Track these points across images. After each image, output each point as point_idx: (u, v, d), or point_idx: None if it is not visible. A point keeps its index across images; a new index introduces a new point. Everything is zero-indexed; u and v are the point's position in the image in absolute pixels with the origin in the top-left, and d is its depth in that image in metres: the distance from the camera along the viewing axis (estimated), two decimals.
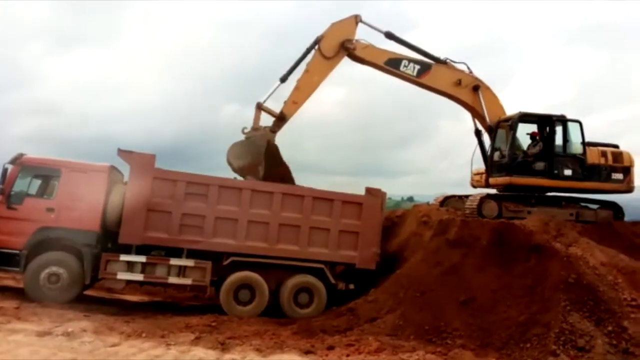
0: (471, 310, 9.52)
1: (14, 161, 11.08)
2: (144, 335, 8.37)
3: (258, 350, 7.92)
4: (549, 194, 13.25)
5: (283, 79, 12.82)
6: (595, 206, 13.35)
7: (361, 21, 12.87)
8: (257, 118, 12.71)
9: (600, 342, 8.43)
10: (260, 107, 12.68)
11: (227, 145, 12.55)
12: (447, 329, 9.20)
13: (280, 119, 12.59)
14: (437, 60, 13.34)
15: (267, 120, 12.86)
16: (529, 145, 13.07)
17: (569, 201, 13.17)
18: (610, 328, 8.66)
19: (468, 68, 13.51)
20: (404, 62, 13.03)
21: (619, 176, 13.06)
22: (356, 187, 9.78)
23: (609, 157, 13.09)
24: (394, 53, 13.13)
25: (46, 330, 7.96)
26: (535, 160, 12.71)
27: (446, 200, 14.40)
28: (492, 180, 13.33)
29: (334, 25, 12.67)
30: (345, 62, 13.13)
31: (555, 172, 12.60)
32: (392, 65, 13.00)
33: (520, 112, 12.90)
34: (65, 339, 7.64)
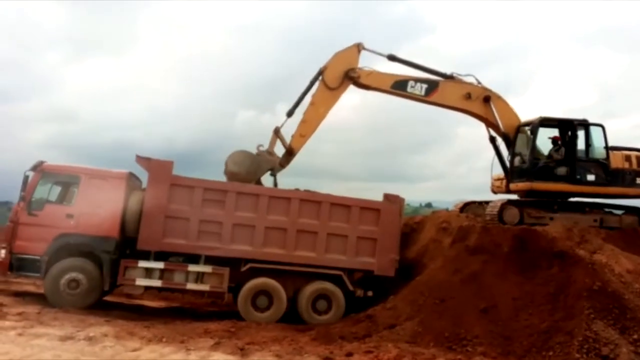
0: (492, 317, 9.36)
1: (34, 168, 11.23)
2: (164, 340, 8.39)
3: (277, 356, 7.89)
4: (572, 199, 13.04)
5: (290, 114, 12.85)
6: (620, 212, 13.11)
7: (364, 48, 12.85)
8: (273, 143, 12.79)
9: (625, 350, 8.23)
10: (277, 133, 12.77)
11: None
12: (467, 336, 9.05)
13: (289, 154, 12.66)
14: (443, 76, 13.22)
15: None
16: (551, 150, 12.90)
17: (592, 207, 12.94)
18: (635, 336, 8.46)
19: (476, 79, 13.36)
20: (411, 82, 12.91)
21: None
22: (374, 193, 9.74)
23: (634, 161, 12.91)
24: (400, 75, 13.03)
25: (68, 335, 8.02)
26: (557, 165, 12.54)
27: (466, 207, 14.26)
28: (512, 186, 13.18)
29: (336, 55, 12.66)
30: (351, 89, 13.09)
31: (578, 177, 12.42)
32: (399, 88, 12.91)
33: (540, 117, 12.77)
34: (87, 344, 7.68)
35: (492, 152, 13.69)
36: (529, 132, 12.93)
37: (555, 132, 13.07)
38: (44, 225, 10.85)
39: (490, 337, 9.01)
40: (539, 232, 10.52)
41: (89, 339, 7.88)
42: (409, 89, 12.87)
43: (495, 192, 14.15)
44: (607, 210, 13.12)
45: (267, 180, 12.83)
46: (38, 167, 11.24)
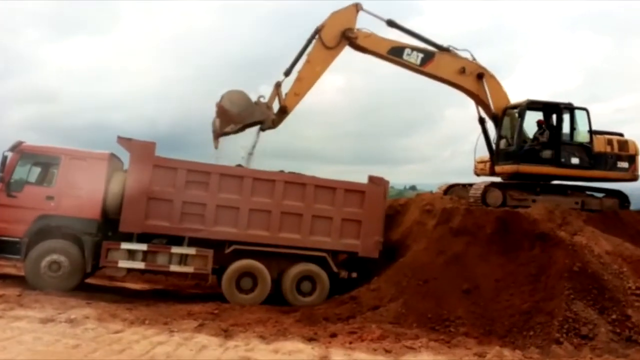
0: (474, 298, 9.52)
1: (13, 149, 11.00)
2: (146, 322, 8.35)
3: (261, 337, 7.90)
4: (554, 182, 13.18)
5: (287, 73, 12.52)
6: (600, 195, 13.28)
7: (362, 9, 12.55)
8: (273, 97, 12.48)
9: (604, 330, 8.43)
10: (278, 87, 12.46)
11: None
12: (450, 317, 9.19)
13: (282, 112, 12.36)
14: (440, 48, 13.07)
15: None
16: (536, 133, 12.96)
17: (574, 189, 13.07)
18: (614, 316, 8.67)
19: (471, 55, 13.28)
20: (407, 50, 12.70)
21: (625, 164, 13.00)
22: (358, 176, 9.72)
23: (615, 145, 13.02)
24: (397, 42, 12.80)
25: (49, 317, 7.93)
26: (543, 148, 12.61)
27: (450, 189, 14.32)
28: (498, 169, 13.20)
29: (334, 14, 12.36)
30: (345, 50, 12.95)
31: (562, 160, 12.51)
32: (395, 54, 12.68)
33: (528, 100, 12.78)
34: (69, 326, 7.61)
35: (477, 135, 13.72)
36: (516, 115, 12.95)
37: (539, 115, 13.12)
38: (24, 206, 10.67)
39: (473, 317, 9.17)
40: (521, 214, 10.63)
41: (70, 322, 7.80)
42: (404, 57, 12.68)
43: (478, 175, 14.19)
44: (588, 193, 13.27)
45: (247, 136, 12.68)
46: (17, 148, 11.01)
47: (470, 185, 13.41)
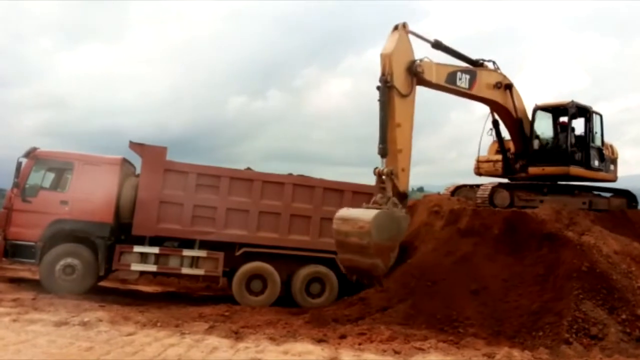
0: (483, 299, 9.53)
1: (27, 155, 11.22)
2: (158, 324, 8.47)
3: (271, 339, 7.98)
4: (561, 182, 13.18)
5: (383, 153, 9.45)
6: (608, 194, 13.30)
7: (410, 32, 10.11)
8: (390, 188, 9.38)
9: (614, 330, 8.41)
10: (385, 175, 9.35)
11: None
12: (458, 317, 9.20)
13: (403, 198, 9.69)
14: (474, 63, 11.69)
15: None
16: (561, 135, 12.79)
17: (581, 189, 13.08)
18: (623, 316, 8.65)
19: (495, 65, 12.10)
20: (459, 74, 10.94)
21: (612, 167, 13.59)
22: (366, 178, 9.56)
23: (609, 149, 13.52)
24: (450, 66, 11.02)
25: (63, 321, 8.07)
26: (577, 150, 12.59)
27: (457, 190, 14.34)
28: (533, 170, 12.67)
29: (392, 51, 9.55)
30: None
31: (590, 163, 12.64)
32: (450, 82, 10.80)
33: (572, 101, 12.65)
34: (82, 329, 7.74)
35: (480, 136, 13.39)
36: (549, 116, 12.87)
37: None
38: (38, 211, 10.87)
39: (481, 318, 9.17)
40: (528, 214, 10.65)
41: (84, 324, 7.94)
42: (457, 82, 10.92)
43: (481, 174, 14.03)
44: (595, 192, 13.29)
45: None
46: (31, 154, 11.22)
47: (478, 186, 13.42)
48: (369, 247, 8.59)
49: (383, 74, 9.42)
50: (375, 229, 8.55)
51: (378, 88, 9.50)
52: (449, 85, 10.82)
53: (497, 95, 11.91)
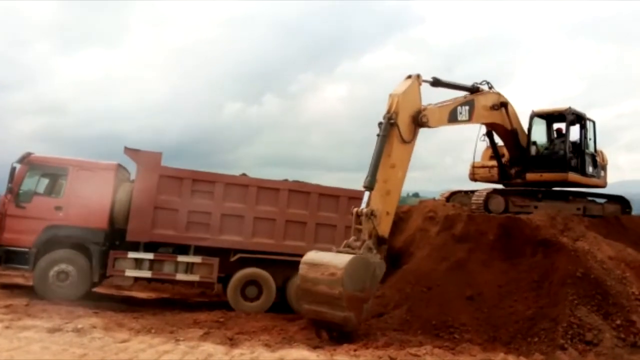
0: (478, 305, 9.52)
1: (21, 160, 11.17)
2: (153, 331, 8.43)
3: (267, 346, 7.95)
4: (556, 188, 13.24)
5: (370, 186, 9.19)
6: (602, 200, 13.37)
7: (422, 82, 10.16)
8: (368, 231, 9.11)
9: (609, 335, 8.43)
10: (362, 217, 9.03)
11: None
12: (454, 323, 9.19)
13: (382, 243, 9.38)
14: (471, 90, 11.55)
15: None
16: (558, 142, 12.87)
17: (575, 195, 13.16)
18: (618, 322, 8.66)
19: (489, 85, 12.00)
20: (459, 109, 10.95)
21: (603, 173, 13.72)
22: (362, 183, 9.43)
23: (600, 155, 13.61)
24: (449, 104, 11.00)
25: (56, 327, 8.01)
26: (573, 157, 12.65)
27: (452, 196, 14.39)
28: (531, 176, 12.71)
29: (400, 98, 9.54)
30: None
31: (585, 169, 12.72)
32: (452, 120, 10.85)
33: (570, 108, 12.72)
34: (76, 335, 7.68)
35: (475, 142, 13.41)
36: (545, 123, 12.97)
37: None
38: (32, 217, 10.82)
39: (477, 324, 9.16)
40: (523, 220, 10.69)
41: (78, 331, 7.88)
42: (458, 117, 10.93)
43: (476, 180, 14.07)
44: (590, 198, 13.37)
45: None
46: (25, 159, 11.17)
47: (473, 192, 13.49)
48: (340, 298, 7.90)
49: (388, 112, 9.39)
50: (348, 277, 7.91)
51: (379, 124, 9.44)
52: (451, 124, 10.88)
53: (495, 117, 11.97)
